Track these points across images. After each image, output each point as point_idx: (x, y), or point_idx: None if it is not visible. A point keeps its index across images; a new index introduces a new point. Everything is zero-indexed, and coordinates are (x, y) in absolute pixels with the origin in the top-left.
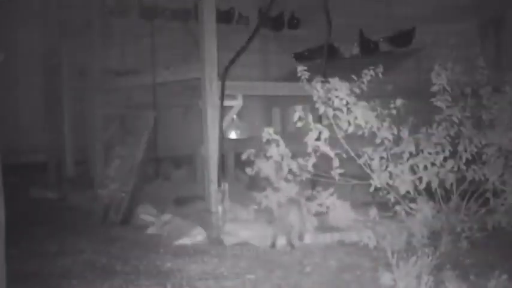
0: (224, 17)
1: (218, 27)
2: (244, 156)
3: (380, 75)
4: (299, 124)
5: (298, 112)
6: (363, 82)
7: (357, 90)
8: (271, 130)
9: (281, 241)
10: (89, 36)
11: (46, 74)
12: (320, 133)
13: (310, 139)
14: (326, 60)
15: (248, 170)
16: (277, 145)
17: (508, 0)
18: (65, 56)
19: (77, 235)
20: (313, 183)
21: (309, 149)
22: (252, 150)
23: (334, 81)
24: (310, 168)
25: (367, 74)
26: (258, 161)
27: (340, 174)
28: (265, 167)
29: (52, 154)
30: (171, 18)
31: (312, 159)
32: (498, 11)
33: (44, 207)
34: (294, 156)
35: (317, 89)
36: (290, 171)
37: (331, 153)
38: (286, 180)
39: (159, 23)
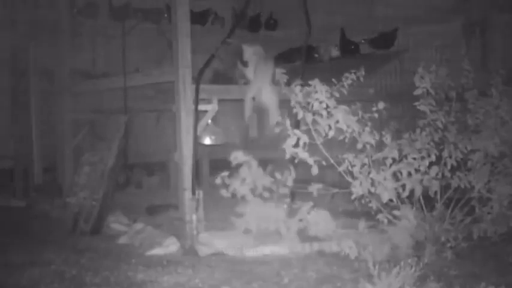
0: (198, 17)
1: (192, 28)
2: (218, 181)
3: (361, 78)
4: (277, 130)
5: (275, 117)
6: (343, 86)
7: (337, 94)
8: (239, 154)
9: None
10: (57, 37)
11: (13, 77)
12: (298, 139)
13: (288, 146)
14: (305, 62)
15: (223, 192)
16: (249, 167)
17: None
18: (32, 57)
19: (45, 245)
20: (292, 194)
21: (287, 156)
22: (226, 174)
23: (315, 83)
24: (289, 183)
25: (348, 78)
26: (233, 181)
27: (320, 182)
28: (240, 188)
29: (19, 160)
30: (142, 18)
31: (292, 175)
32: (483, 11)
33: (11, 216)
34: (271, 163)
35: (296, 93)
36: (266, 188)
37: (310, 161)
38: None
39: (130, 24)
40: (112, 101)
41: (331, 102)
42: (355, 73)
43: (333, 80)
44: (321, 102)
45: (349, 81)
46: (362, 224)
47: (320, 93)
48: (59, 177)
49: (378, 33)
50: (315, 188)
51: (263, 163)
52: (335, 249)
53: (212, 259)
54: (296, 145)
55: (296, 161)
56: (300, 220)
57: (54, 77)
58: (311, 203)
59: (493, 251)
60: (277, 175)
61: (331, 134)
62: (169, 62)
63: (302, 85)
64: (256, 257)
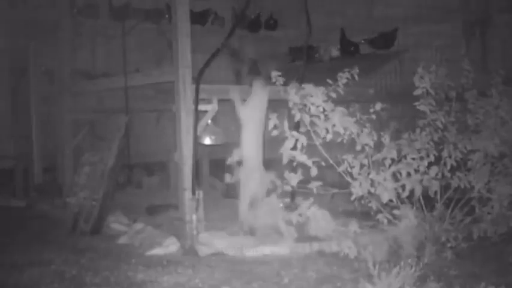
0: (198, 17)
1: (192, 28)
2: (229, 161)
3: (356, 76)
4: (274, 132)
5: (272, 120)
6: (338, 85)
7: (333, 95)
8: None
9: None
10: (57, 37)
11: (13, 77)
12: (296, 141)
13: (285, 149)
14: (305, 62)
15: (227, 177)
16: None
17: None
18: (32, 57)
19: (45, 245)
20: (292, 193)
21: (285, 160)
22: (236, 158)
23: (309, 88)
24: (293, 183)
25: (343, 77)
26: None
27: (320, 183)
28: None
29: (19, 160)
30: (142, 18)
31: (298, 176)
32: (483, 11)
33: (11, 216)
34: (273, 163)
35: (292, 95)
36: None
37: (309, 163)
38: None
39: (130, 24)
40: (112, 101)
41: (328, 106)
42: (349, 71)
43: (329, 80)
44: (317, 106)
45: (344, 81)
46: (353, 224)
47: (316, 96)
48: (59, 177)
49: (378, 33)
50: (314, 185)
51: (265, 162)
52: (335, 249)
53: (212, 259)
54: (294, 147)
55: (294, 163)
56: (300, 215)
57: (54, 77)
58: (311, 199)
59: (493, 251)
60: (287, 174)
61: (329, 137)
62: (169, 62)
63: (300, 84)
64: (256, 257)
